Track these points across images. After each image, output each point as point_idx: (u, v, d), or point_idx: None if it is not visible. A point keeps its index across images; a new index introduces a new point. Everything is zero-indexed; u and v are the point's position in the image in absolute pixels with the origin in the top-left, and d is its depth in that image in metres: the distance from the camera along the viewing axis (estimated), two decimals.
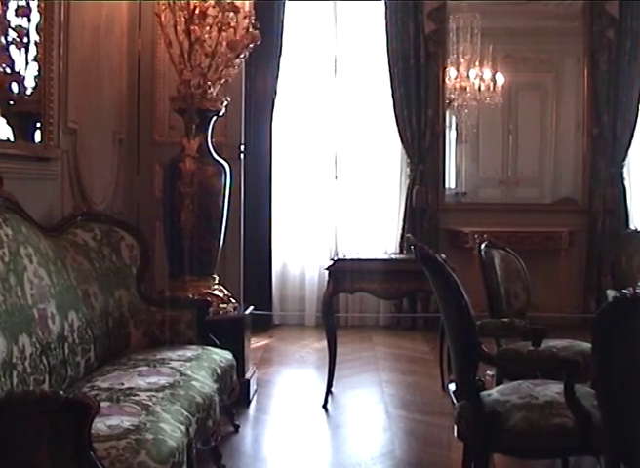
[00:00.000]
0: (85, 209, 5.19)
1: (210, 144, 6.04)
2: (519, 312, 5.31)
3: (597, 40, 9.41)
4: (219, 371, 4.50)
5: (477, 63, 9.36)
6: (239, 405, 5.67)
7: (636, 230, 6.62)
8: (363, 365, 7.56)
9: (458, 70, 9.36)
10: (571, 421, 3.67)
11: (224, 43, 5.78)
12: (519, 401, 3.82)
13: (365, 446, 5.34)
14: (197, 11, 5.71)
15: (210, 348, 4.81)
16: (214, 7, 5.74)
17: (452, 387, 4.05)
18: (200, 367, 4.36)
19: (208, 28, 5.74)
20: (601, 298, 8.50)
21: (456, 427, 3.89)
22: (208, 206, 5.95)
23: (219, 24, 5.75)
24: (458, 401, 3.92)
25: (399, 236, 9.29)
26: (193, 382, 4.04)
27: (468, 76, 9.38)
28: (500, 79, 9.42)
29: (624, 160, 9.34)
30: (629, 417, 3.09)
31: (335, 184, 9.43)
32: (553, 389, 3.91)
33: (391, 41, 9.13)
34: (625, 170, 9.39)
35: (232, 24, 5.79)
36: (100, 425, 3.05)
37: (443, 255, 4.11)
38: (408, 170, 9.28)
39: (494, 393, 3.97)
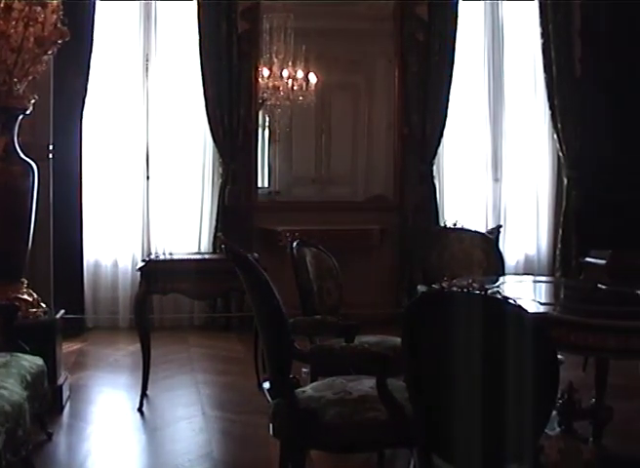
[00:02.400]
0: None
1: (16, 144, 5.85)
2: (332, 309, 5.35)
3: (407, 42, 9.62)
4: (28, 378, 4.35)
5: (290, 63, 9.41)
6: (52, 412, 5.51)
7: (445, 227, 6.79)
8: (178, 366, 7.49)
9: (271, 70, 9.38)
10: (384, 415, 3.74)
11: (32, 38, 5.60)
12: (333, 396, 3.86)
13: (182, 448, 5.29)
14: (2, 4, 5.51)
15: (19, 354, 4.66)
16: (20, 0, 5.56)
17: (267, 385, 4.05)
18: (8, 374, 4.21)
19: (14, 23, 5.55)
20: (413, 294, 8.69)
21: (271, 425, 3.90)
22: (14, 207, 5.76)
23: (25, 19, 5.56)
24: (273, 399, 3.93)
25: (212, 235, 9.23)
26: (1, 391, 3.89)
27: (281, 76, 9.42)
28: (313, 79, 9.50)
29: (434, 158, 9.60)
30: (439, 409, 3.17)
31: (147, 184, 9.28)
32: (366, 384, 3.98)
33: (204, 40, 9.06)
34: (435, 168, 9.64)
35: (40, 19, 5.62)
36: None
37: (255, 254, 4.12)
38: (220, 169, 9.24)
39: (308, 390, 4.00)
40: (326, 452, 4.58)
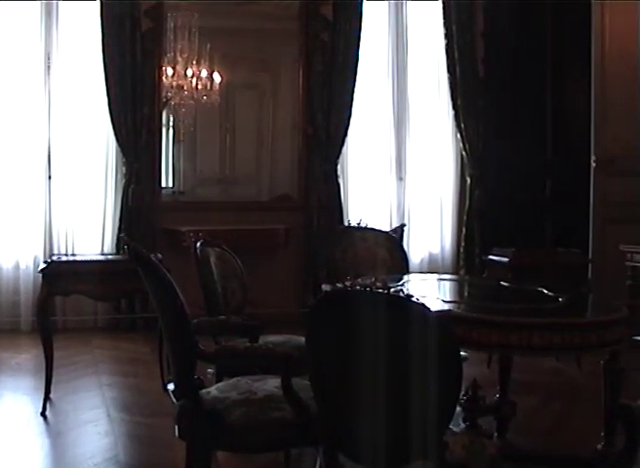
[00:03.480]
0: None
1: None
2: (236, 309, 5.34)
3: (312, 41, 9.64)
4: None
5: (194, 62, 9.34)
6: None
7: (349, 226, 6.82)
8: (82, 368, 7.38)
9: (175, 69, 9.29)
10: (290, 414, 3.74)
11: None
12: (238, 397, 3.85)
13: (87, 452, 5.21)
14: None
15: None
16: None
17: (171, 387, 4.01)
18: None
19: None
20: (317, 293, 8.71)
21: (177, 427, 3.87)
22: None
23: None
24: (177, 400, 3.90)
25: (115, 236, 9.12)
26: None
27: (186, 75, 9.34)
28: (218, 78, 9.44)
29: (338, 158, 9.63)
30: (344, 408, 3.18)
31: (49, 184, 9.11)
32: (272, 383, 3.97)
33: (107, 39, 8.92)
34: (339, 167, 9.68)
35: None
36: None
37: (159, 255, 4.08)
38: (124, 168, 9.13)
39: (213, 391, 3.98)
40: (232, 453, 4.58)
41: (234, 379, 4.15)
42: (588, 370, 7.23)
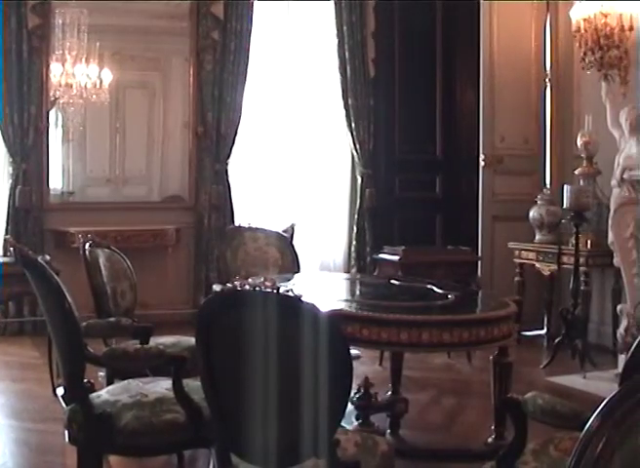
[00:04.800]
0: None
1: None
2: (127, 311, 5.28)
3: (203, 40, 9.58)
4: None
5: (84, 60, 9.18)
6: None
7: (240, 226, 6.82)
8: None
9: (63, 67, 9.12)
10: (182, 416, 3.73)
11: None
12: (129, 400, 3.82)
13: None
14: None
15: None
16: None
17: (61, 391, 3.96)
18: None
19: None
20: (209, 293, 8.67)
21: (67, 432, 3.82)
22: None
23: None
24: (67, 405, 3.85)
25: (2, 238, 8.92)
26: None
27: (74, 73, 9.18)
28: (108, 77, 9.30)
29: (229, 158, 9.60)
30: (235, 408, 3.17)
31: None
32: (163, 385, 3.95)
33: None
34: (230, 167, 9.65)
35: None
36: None
37: (47, 257, 4.01)
38: (10, 169, 8.93)
39: (103, 394, 3.94)
40: (124, 457, 4.53)
41: (125, 382, 4.11)
42: (479, 366, 7.37)
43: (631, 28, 7.66)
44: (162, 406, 3.77)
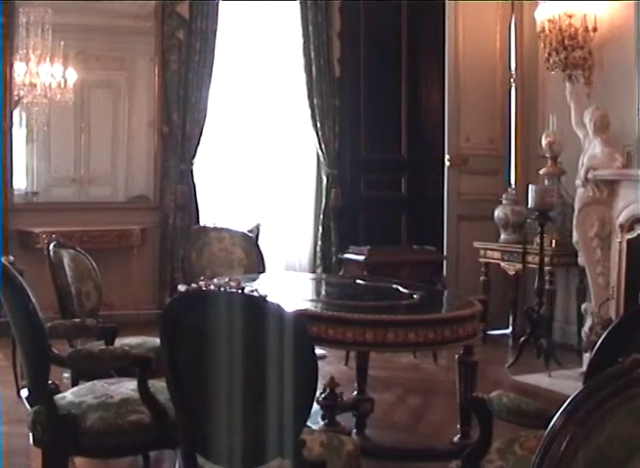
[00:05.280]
0: None
1: None
2: (91, 312, 5.26)
3: (168, 40, 9.54)
4: None
5: (48, 60, 9.12)
6: None
7: (205, 226, 6.81)
8: None
9: (27, 66, 9.05)
10: (148, 417, 3.72)
11: None
12: (94, 401, 3.80)
13: None
14: None
15: None
16: None
17: (25, 393, 3.93)
18: None
19: None
20: (175, 294, 8.64)
21: (32, 434, 3.79)
22: None
23: None
24: (32, 406, 3.82)
25: None
26: None
27: (38, 73, 9.11)
28: (72, 76, 9.23)
29: (194, 158, 9.57)
30: (201, 409, 3.17)
31: None
32: (128, 386, 3.94)
33: None
34: (195, 167, 9.62)
35: None
36: None
37: (10, 258, 3.97)
38: None
39: (68, 395, 3.92)
40: (90, 458, 4.50)
41: (90, 383, 4.10)
42: (444, 365, 7.40)
43: (595, 29, 7.74)
44: (127, 406, 3.76)
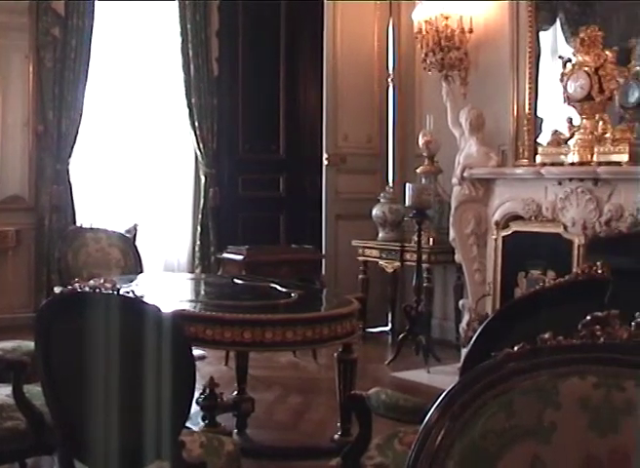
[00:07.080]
0: None
1: None
2: None
3: (43, 37, 9.33)
4: None
5: None
6: None
7: (82, 226, 6.70)
8: None
9: None
10: (23, 423, 3.64)
11: None
12: None
13: None
14: None
15: None
16: None
17: None
18: None
19: None
20: (51, 296, 8.48)
21: None
22: None
23: None
24: None
25: None
26: None
27: None
28: None
29: (70, 157, 9.40)
30: (77, 412, 3.11)
31: None
32: (3, 392, 3.85)
33: None
34: (72, 167, 9.45)
35: None
36: None
37: None
38: None
39: None
40: None
41: None
42: (324, 363, 7.44)
43: (471, 31, 7.91)
44: (2, 413, 3.68)
